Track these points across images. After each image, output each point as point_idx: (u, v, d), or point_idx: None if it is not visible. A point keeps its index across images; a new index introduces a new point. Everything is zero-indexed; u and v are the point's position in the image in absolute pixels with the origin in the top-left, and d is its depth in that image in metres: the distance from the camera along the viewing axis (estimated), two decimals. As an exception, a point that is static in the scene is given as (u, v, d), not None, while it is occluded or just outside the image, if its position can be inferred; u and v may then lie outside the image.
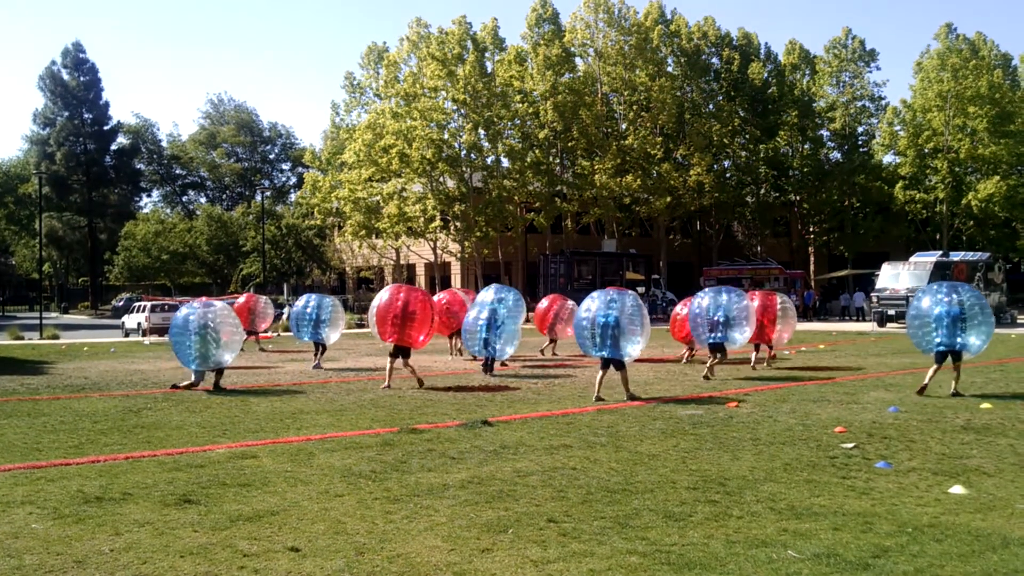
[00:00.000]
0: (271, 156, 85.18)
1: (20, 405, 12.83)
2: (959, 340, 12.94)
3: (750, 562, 5.25)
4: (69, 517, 6.36)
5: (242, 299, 25.56)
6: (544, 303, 22.16)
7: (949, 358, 13.07)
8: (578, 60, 52.43)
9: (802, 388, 14.04)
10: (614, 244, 51.20)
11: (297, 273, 61.83)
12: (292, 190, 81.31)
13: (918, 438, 9.35)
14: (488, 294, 17.83)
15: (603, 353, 13.02)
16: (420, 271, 58.85)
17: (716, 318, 15.96)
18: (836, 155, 55.54)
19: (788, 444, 9.08)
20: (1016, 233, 52.03)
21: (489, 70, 49.08)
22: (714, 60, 55.69)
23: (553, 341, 22.14)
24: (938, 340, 13.06)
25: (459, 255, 50.50)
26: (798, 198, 55.72)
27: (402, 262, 57.66)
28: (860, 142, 55.01)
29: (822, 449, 8.78)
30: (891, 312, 34.39)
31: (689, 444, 9.13)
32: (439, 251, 51.23)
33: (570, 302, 21.95)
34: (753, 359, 18.10)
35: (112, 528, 6.08)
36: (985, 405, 11.68)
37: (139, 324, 36.07)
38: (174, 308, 37.67)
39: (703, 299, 16.45)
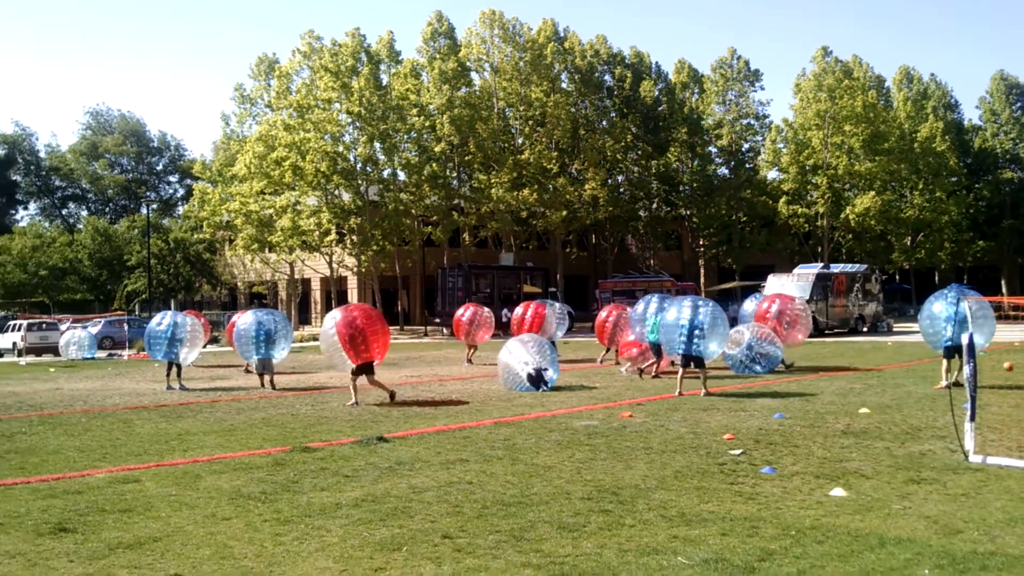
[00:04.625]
0: (158, 168, 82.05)
1: None
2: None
3: (641, 570, 5.32)
4: (-71, 551, 5.94)
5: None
6: (603, 313, 22.27)
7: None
8: (474, 75, 52.67)
9: (693, 397, 14.38)
10: (511, 258, 51.49)
11: (185, 289, 59.74)
12: (180, 203, 78.49)
13: (801, 443, 9.70)
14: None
15: (687, 351, 14.80)
16: (316, 285, 57.77)
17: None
18: (723, 171, 57.60)
19: (679, 452, 9.28)
20: (891, 246, 54.87)
21: (384, 83, 48.78)
22: (607, 77, 56.89)
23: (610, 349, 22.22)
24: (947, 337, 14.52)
25: (355, 269, 49.84)
26: (688, 212, 57.39)
27: (296, 276, 56.51)
28: (746, 158, 57.16)
29: (711, 456, 9.01)
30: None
31: (584, 455, 9.22)
32: (335, 265, 50.45)
33: (628, 309, 21.94)
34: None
35: (-22, 561, 5.71)
36: (864, 410, 12.21)
37: (14, 344, 34.27)
38: (52, 327, 35.98)
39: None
